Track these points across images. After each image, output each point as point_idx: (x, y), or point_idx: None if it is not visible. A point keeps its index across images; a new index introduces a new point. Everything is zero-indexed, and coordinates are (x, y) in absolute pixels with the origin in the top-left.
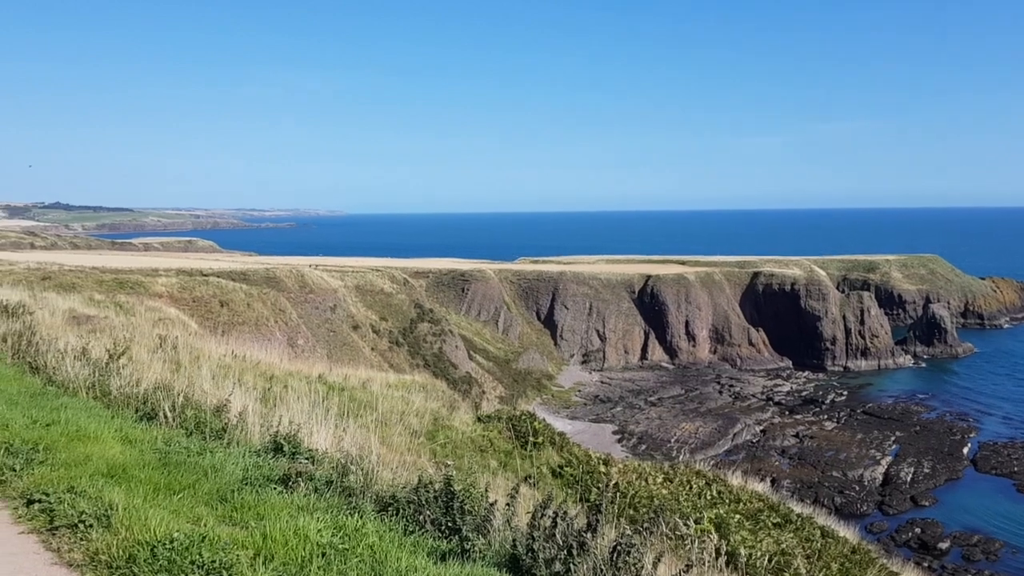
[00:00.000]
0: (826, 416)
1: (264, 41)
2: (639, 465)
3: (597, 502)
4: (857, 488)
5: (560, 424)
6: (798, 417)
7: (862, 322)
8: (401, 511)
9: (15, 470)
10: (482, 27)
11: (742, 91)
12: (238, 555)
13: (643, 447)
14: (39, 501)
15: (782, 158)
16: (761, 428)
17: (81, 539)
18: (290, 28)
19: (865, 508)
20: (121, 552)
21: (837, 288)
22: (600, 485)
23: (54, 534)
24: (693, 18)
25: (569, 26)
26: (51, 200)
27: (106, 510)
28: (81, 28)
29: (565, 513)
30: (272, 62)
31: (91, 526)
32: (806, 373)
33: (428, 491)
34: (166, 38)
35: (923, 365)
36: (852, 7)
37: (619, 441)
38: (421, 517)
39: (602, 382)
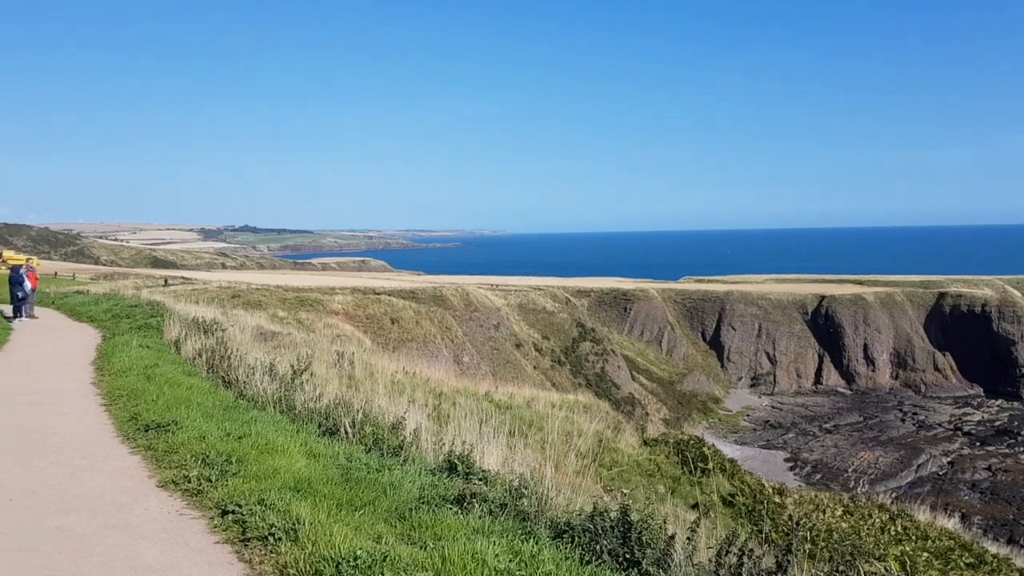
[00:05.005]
0: (1023, 449)
1: (429, 68)
2: (816, 496)
3: (787, 543)
4: None
5: (728, 449)
6: (990, 449)
7: None
8: (576, 539)
9: (211, 481)
10: (648, 60)
11: (929, 100)
12: None
13: (818, 476)
14: (232, 512)
15: (971, 171)
16: (948, 460)
17: (271, 552)
18: (452, 54)
19: None
20: (308, 567)
21: None
22: (776, 517)
23: (246, 545)
24: (876, 32)
25: (731, 46)
26: (240, 223)
27: (294, 524)
28: (258, 62)
29: (751, 551)
30: (437, 87)
31: (280, 539)
32: (999, 401)
33: (604, 519)
34: (339, 74)
35: None
36: None
37: (791, 469)
38: (597, 547)
39: (772, 407)
